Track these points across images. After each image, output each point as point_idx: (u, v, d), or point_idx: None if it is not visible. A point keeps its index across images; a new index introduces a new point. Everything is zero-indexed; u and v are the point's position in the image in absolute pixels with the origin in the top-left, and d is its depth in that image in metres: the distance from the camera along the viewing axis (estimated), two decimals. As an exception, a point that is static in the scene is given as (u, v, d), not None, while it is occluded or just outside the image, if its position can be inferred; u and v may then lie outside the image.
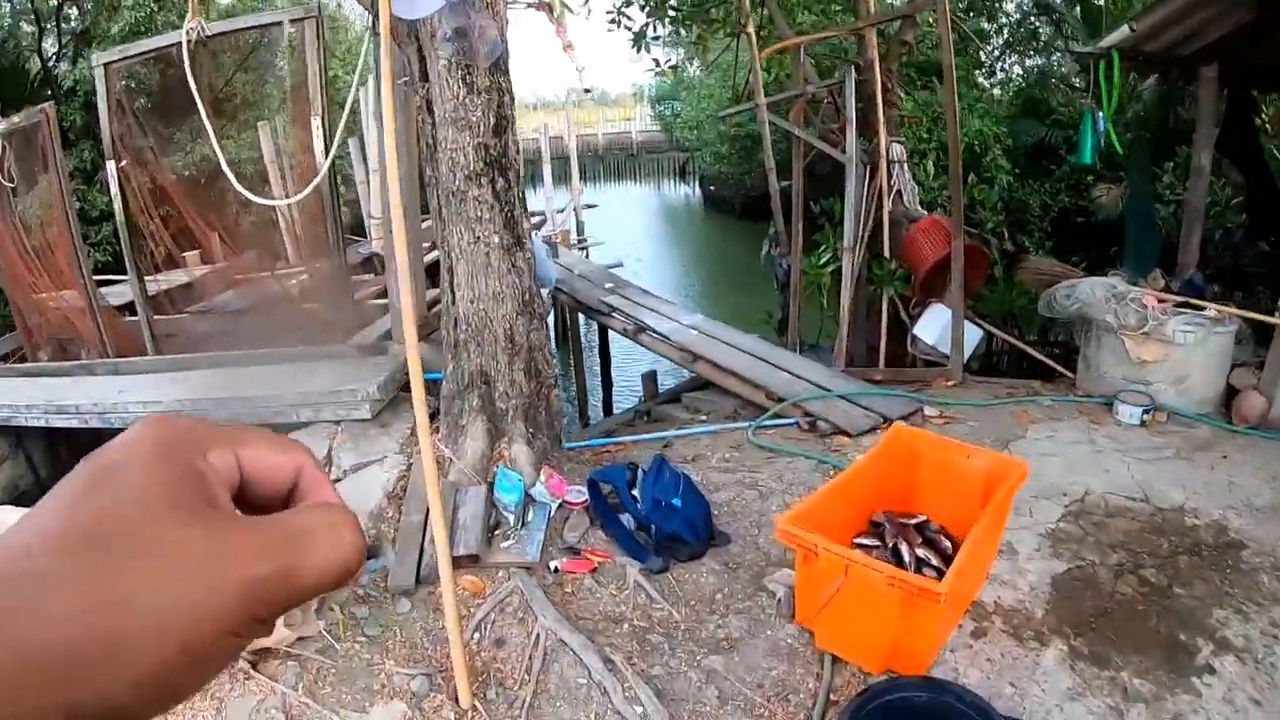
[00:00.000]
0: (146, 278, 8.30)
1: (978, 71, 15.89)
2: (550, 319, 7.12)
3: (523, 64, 5.36)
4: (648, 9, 11.23)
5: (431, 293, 7.72)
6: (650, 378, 10.45)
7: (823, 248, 9.51)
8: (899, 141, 8.75)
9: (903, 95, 9.76)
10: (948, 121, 7.64)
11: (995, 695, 3.77)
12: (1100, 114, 8.03)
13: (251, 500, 0.52)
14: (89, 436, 7.26)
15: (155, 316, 8.34)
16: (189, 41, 6.55)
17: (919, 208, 8.89)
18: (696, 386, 9.00)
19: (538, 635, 4.35)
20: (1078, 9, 13.62)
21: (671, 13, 11.31)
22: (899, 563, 4.09)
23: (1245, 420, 6.42)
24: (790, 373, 7.60)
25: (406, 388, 6.42)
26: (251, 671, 4.17)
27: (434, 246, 7.11)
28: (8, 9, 15.85)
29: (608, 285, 10.65)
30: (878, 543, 4.28)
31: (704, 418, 7.78)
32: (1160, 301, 6.85)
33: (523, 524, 5.16)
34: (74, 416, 6.93)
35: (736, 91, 12.32)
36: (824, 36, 9.93)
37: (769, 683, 4.07)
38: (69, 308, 8.32)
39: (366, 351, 7.08)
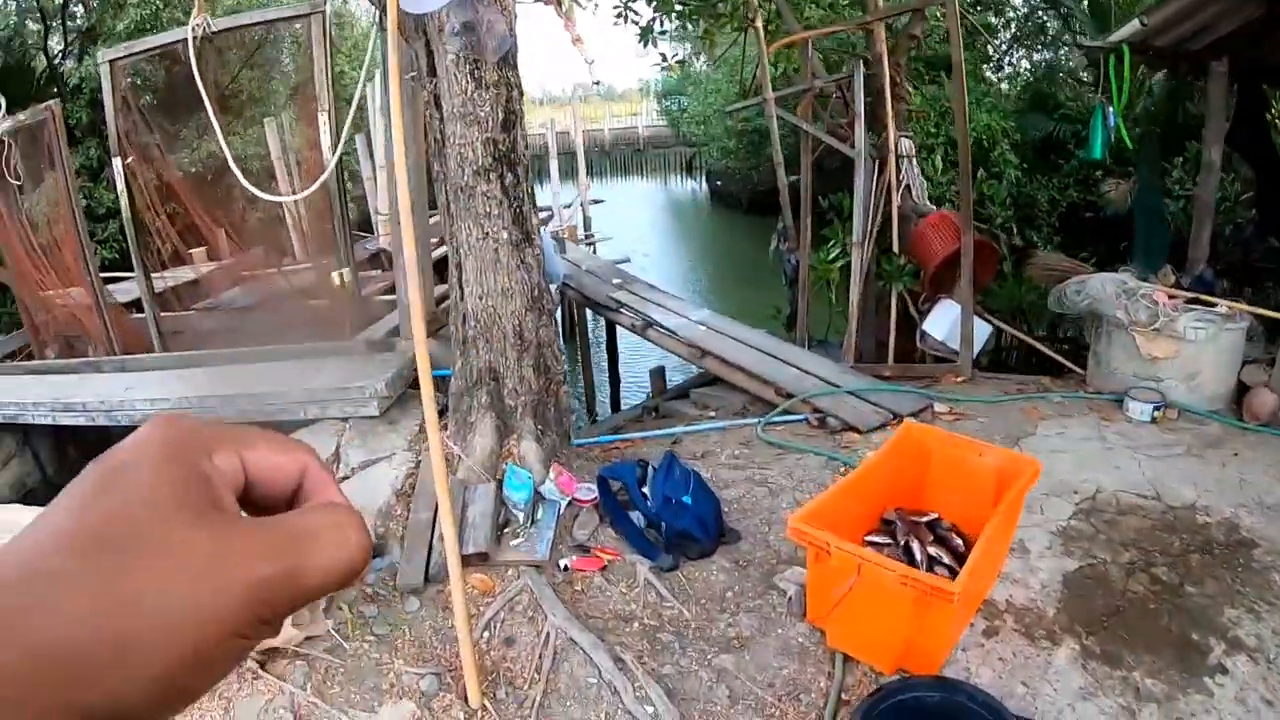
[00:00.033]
0: (153, 275, 8.29)
1: (985, 66, 15.83)
2: (558, 315, 7.09)
3: (530, 59, 5.35)
4: (654, 3, 11.18)
5: (439, 288, 7.71)
6: (658, 373, 10.43)
7: (832, 243, 9.49)
8: (908, 136, 8.73)
9: (911, 90, 9.72)
10: (956, 116, 7.61)
11: (1007, 695, 3.76)
12: (1110, 109, 8.00)
13: (257, 501, 0.53)
14: (96, 434, 7.27)
15: (162, 313, 8.32)
16: (194, 38, 6.53)
17: (928, 203, 8.86)
18: (705, 382, 9.00)
19: (547, 634, 4.33)
20: (1085, 3, 13.56)
21: (678, 7, 11.26)
22: (911, 561, 4.06)
23: (1256, 417, 6.39)
24: (799, 368, 7.58)
25: (414, 384, 6.41)
26: (260, 671, 4.16)
27: (442, 242, 7.10)
28: (13, 7, 15.85)
29: (615, 281, 10.62)
30: (889, 541, 4.25)
31: (713, 414, 7.77)
32: (1171, 298, 6.82)
33: (532, 522, 5.15)
34: (81, 414, 6.92)
35: (744, 86, 12.32)
36: (832, 31, 9.91)
37: (780, 682, 4.05)
38: (76, 305, 8.32)
39: (374, 348, 7.07)
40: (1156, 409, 6.38)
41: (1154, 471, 5.62)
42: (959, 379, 7.53)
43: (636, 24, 11.48)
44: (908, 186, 8.59)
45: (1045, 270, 9.15)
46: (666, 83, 40.09)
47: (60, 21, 15.84)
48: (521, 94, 5.48)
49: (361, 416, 6.32)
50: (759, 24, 9.70)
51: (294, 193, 9.19)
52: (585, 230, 18.27)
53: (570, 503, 5.38)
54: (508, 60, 5.24)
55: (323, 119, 6.96)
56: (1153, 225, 9.27)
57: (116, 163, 7.48)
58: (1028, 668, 3.98)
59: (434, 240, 8.18)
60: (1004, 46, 17.04)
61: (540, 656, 4.23)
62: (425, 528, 5.11)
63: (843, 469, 5.87)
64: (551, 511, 5.25)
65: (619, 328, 10.77)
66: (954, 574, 3.94)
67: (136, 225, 7.77)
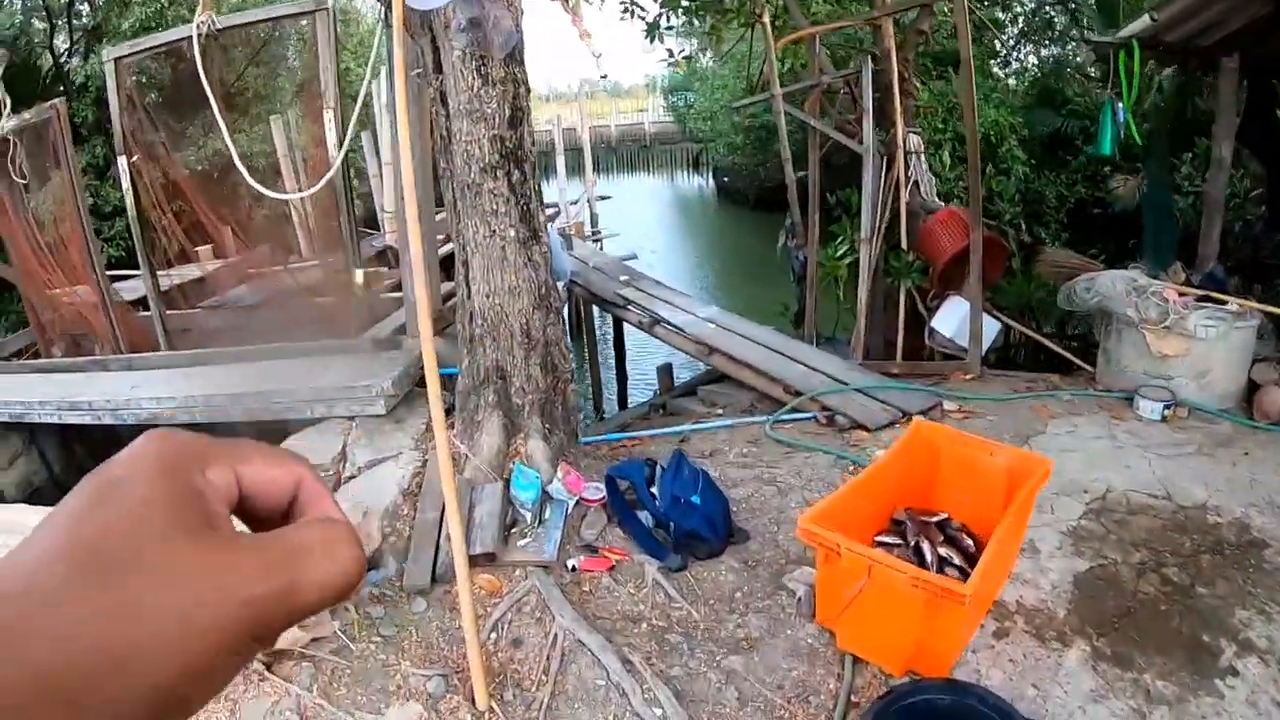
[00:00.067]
0: (159, 273, 8.28)
1: (992, 61, 15.79)
2: (564, 311, 7.07)
3: (535, 55, 5.33)
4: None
5: (446, 286, 7.68)
6: (666, 370, 10.43)
7: (840, 239, 9.46)
8: (915, 132, 8.70)
9: (919, 85, 9.68)
10: (965, 112, 7.57)
11: (1018, 697, 3.73)
12: (1120, 105, 7.96)
13: (252, 515, 0.53)
14: (102, 433, 7.27)
15: (168, 311, 8.31)
16: (199, 35, 6.51)
17: (936, 199, 8.83)
18: (712, 379, 8.97)
19: (555, 635, 4.31)
20: (1093, -2, 13.52)
21: (685, 3, 11.21)
22: (921, 562, 4.05)
23: (1267, 416, 6.36)
24: (807, 365, 7.55)
25: (421, 383, 6.39)
26: (266, 673, 4.15)
27: (448, 239, 7.08)
28: (19, 6, 15.85)
29: (622, 278, 10.58)
30: (899, 541, 4.24)
31: (720, 411, 7.74)
32: (1181, 295, 6.79)
33: (540, 522, 5.13)
34: (87, 413, 6.91)
35: (751, 82, 12.27)
36: (840, 26, 9.85)
37: (789, 684, 4.03)
38: (82, 303, 8.32)
39: (381, 346, 7.05)
40: (1167, 407, 6.35)
41: (1164, 471, 5.59)
42: (968, 376, 7.50)
43: (643, 19, 11.45)
44: (916, 182, 8.56)
45: (1054, 267, 9.12)
46: (673, 79, 40.13)
47: (66, 20, 15.85)
48: (528, 90, 5.46)
49: (368, 415, 6.31)
50: (766, 19, 9.66)
51: (300, 190, 9.17)
52: (592, 227, 18.24)
53: (578, 502, 5.37)
54: (514, 56, 5.21)
55: (328, 116, 6.94)
56: (1162, 222, 9.23)
57: (122, 161, 7.47)
58: (1038, 669, 3.96)
59: (440, 237, 8.16)
60: (1011, 42, 16.98)
61: (548, 658, 4.21)
62: (432, 528, 5.09)
63: (851, 467, 5.86)
64: (559, 511, 5.23)
65: (626, 324, 10.73)
66: (964, 574, 3.93)
67: (142, 223, 7.76)
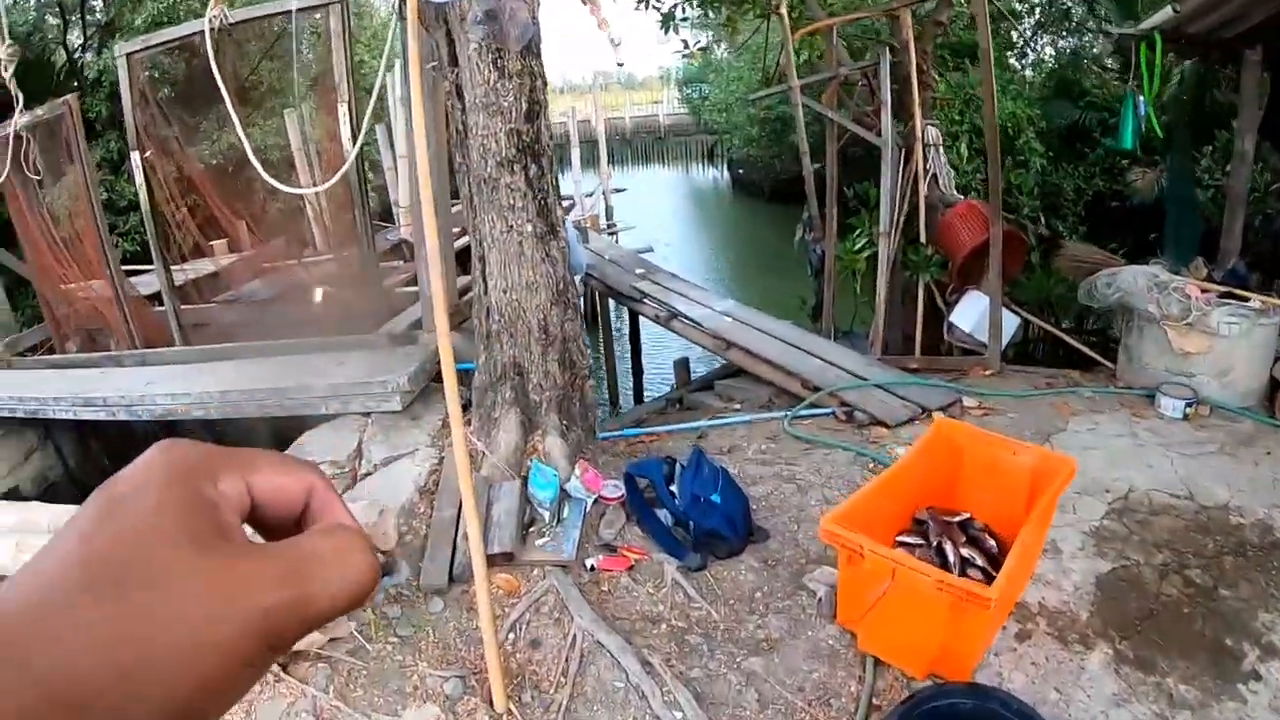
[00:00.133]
0: (173, 267, 8.27)
1: (1009, 53, 15.68)
2: (580, 305, 7.05)
3: (550, 47, 5.29)
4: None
5: (462, 280, 7.65)
6: (683, 365, 10.41)
7: (858, 232, 9.40)
8: (934, 124, 8.64)
9: (936, 77, 9.62)
10: (985, 104, 7.49)
11: (1040, 701, 3.70)
12: (1141, 97, 7.89)
13: (264, 523, 0.53)
14: (117, 428, 7.28)
15: (182, 306, 8.31)
16: (212, 30, 6.48)
17: (954, 192, 8.77)
18: (729, 374, 8.93)
19: (574, 636, 4.28)
20: (1110, -12, 13.42)
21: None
22: (943, 563, 4.00)
23: (1289, 415, 6.30)
24: (825, 360, 7.50)
25: (437, 378, 6.37)
26: (282, 674, 4.13)
27: (463, 232, 7.05)
28: (32, 3, 15.87)
29: (639, 271, 10.55)
30: (921, 541, 4.18)
31: (738, 406, 7.70)
32: (1203, 291, 6.71)
33: (558, 520, 5.10)
34: (101, 409, 6.92)
35: (767, 74, 12.22)
36: (857, 17, 9.79)
37: (810, 686, 3.99)
38: (98, 297, 8.32)
39: (397, 341, 7.03)
40: (1189, 405, 6.29)
41: (1187, 470, 5.54)
42: (987, 372, 7.44)
43: (658, 9, 11.40)
44: (934, 175, 8.51)
45: (1074, 262, 9.03)
46: (688, 70, 40.07)
47: (79, 16, 15.87)
48: (545, 83, 5.42)
49: (384, 411, 6.30)
50: (783, 10, 9.60)
51: (314, 184, 9.15)
52: (607, 219, 18.20)
53: (596, 500, 5.34)
54: (531, 49, 5.17)
55: (342, 110, 6.91)
56: (1184, 216, 9.16)
57: (135, 156, 7.46)
58: (1060, 673, 3.92)
59: (455, 230, 8.12)
60: (1028, 33, 16.88)
61: (567, 659, 4.18)
62: (449, 526, 5.07)
63: (871, 464, 5.82)
64: (578, 510, 5.20)
65: (642, 318, 10.69)
66: (987, 575, 3.90)
67: (156, 218, 7.75)
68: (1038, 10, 16.54)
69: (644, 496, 5.25)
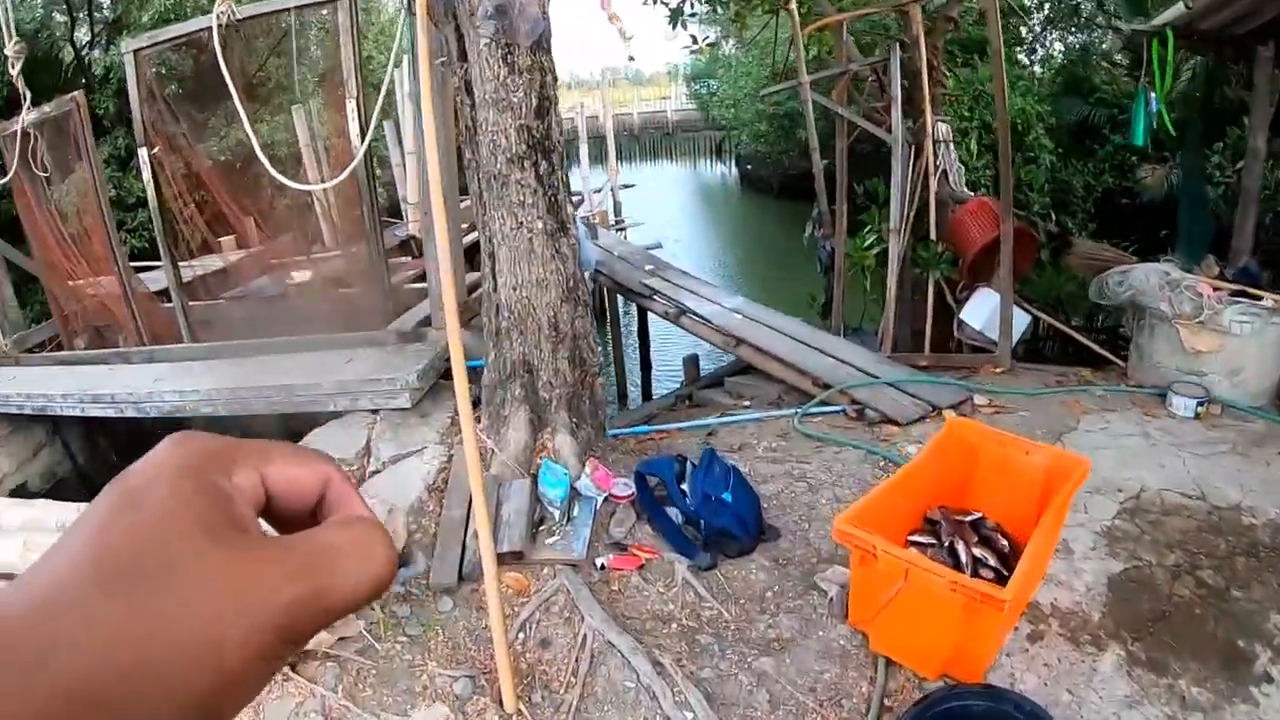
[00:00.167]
0: (181, 264, 8.26)
1: (1018, 48, 15.67)
2: (590, 301, 7.03)
3: (557, 43, 5.26)
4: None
5: (471, 276, 7.65)
6: (692, 361, 10.38)
7: (868, 229, 9.38)
8: (944, 120, 8.61)
9: (946, 73, 9.59)
10: (996, 99, 7.47)
11: (1052, 703, 3.68)
12: (1153, 94, 7.86)
13: (279, 516, 0.52)
14: (126, 424, 7.27)
15: (191, 303, 8.30)
16: (219, 26, 6.47)
17: (965, 189, 8.74)
18: (739, 370, 8.92)
19: (584, 636, 4.27)
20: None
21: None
22: (955, 563, 3.99)
23: (1301, 415, 6.27)
24: (835, 358, 7.47)
25: (446, 376, 6.36)
26: (290, 673, 4.12)
27: (472, 228, 7.03)
28: (40, 0, 15.88)
29: (647, 267, 10.52)
30: (933, 541, 4.17)
31: (747, 404, 7.69)
32: (1215, 290, 6.68)
33: (568, 519, 5.08)
34: (109, 406, 6.94)
35: (775, 69, 12.20)
36: (867, 13, 9.77)
37: (821, 686, 3.98)
38: (105, 294, 8.32)
39: (405, 338, 7.01)
40: (1200, 404, 6.26)
41: (1199, 470, 5.50)
42: (998, 370, 7.41)
43: (666, 5, 11.38)
44: (944, 172, 8.47)
45: (1085, 259, 9.01)
46: (696, 66, 40.13)
47: (87, 12, 15.88)
48: (555, 79, 5.39)
49: (392, 409, 6.29)
50: (792, 6, 9.57)
51: (323, 180, 9.14)
52: (615, 215, 18.24)
53: (606, 499, 5.32)
54: (541, 44, 5.14)
55: (350, 106, 6.90)
56: (1196, 214, 9.13)
57: (143, 152, 7.45)
58: (1072, 674, 3.90)
59: (464, 226, 8.11)
60: (1037, 29, 16.84)
61: (577, 659, 4.17)
62: (458, 525, 5.06)
63: (882, 463, 5.80)
64: (588, 508, 5.18)
65: (650, 314, 10.67)
66: (999, 576, 3.89)
67: (164, 215, 7.75)
68: (1047, 6, 16.55)
69: (654, 495, 5.24)
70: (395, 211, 13.50)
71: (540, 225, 5.39)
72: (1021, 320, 8.04)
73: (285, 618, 0.43)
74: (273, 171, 6.74)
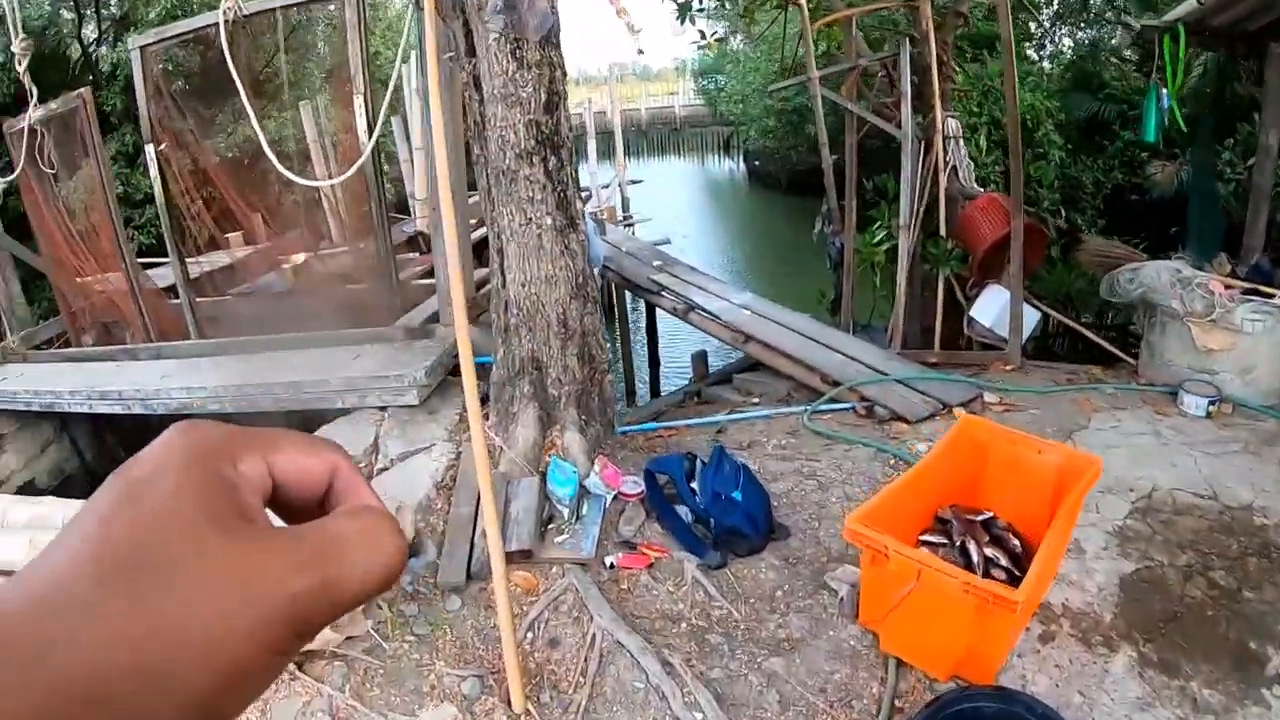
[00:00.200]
0: (189, 260, 8.25)
1: (1027, 44, 15.61)
2: (599, 298, 7.02)
3: (566, 38, 5.24)
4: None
5: (479, 272, 7.63)
6: (701, 358, 10.37)
7: (877, 225, 9.34)
8: (954, 116, 8.57)
9: (956, 69, 9.55)
10: (1006, 95, 7.43)
11: (1064, 704, 3.67)
12: (1164, 90, 7.82)
13: (286, 505, 0.52)
14: (133, 420, 7.27)
15: (198, 299, 8.29)
16: (226, 22, 6.46)
17: (975, 184, 8.70)
18: (747, 367, 8.91)
19: (593, 635, 4.25)
20: (1130, -20, 13.35)
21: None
22: (967, 562, 3.97)
23: (1313, 415, 6.24)
24: (844, 354, 7.46)
25: (454, 372, 6.35)
26: (297, 672, 4.11)
27: (480, 224, 7.01)
28: (47, -3, 15.92)
29: (656, 263, 10.51)
30: (944, 540, 4.15)
31: (756, 400, 7.68)
32: (1227, 287, 6.64)
33: (577, 517, 5.07)
34: (117, 402, 6.94)
35: (784, 65, 12.15)
36: (877, 8, 9.71)
37: (831, 687, 3.96)
38: (113, 290, 8.33)
39: (413, 334, 6.99)
40: (1211, 403, 6.23)
41: (1210, 469, 5.48)
42: (1008, 367, 7.38)
43: (674, 0, 11.34)
44: (954, 168, 8.43)
45: (1096, 256, 8.96)
46: (703, 62, 40.03)
47: (94, 9, 15.90)
48: (565, 74, 5.37)
49: (400, 405, 6.27)
50: (801, 1, 9.53)
51: (330, 176, 9.14)
52: (623, 211, 18.20)
53: (616, 497, 5.30)
54: (550, 39, 5.12)
55: (358, 102, 6.88)
56: (1207, 210, 9.09)
57: (150, 149, 7.45)
58: (1084, 676, 3.89)
59: (472, 222, 8.09)
60: (1046, 24, 16.79)
61: (586, 659, 4.16)
62: (467, 523, 5.04)
63: (892, 461, 5.78)
64: (597, 506, 5.16)
65: (659, 310, 10.66)
66: (1010, 575, 3.88)
67: (171, 211, 7.74)
68: (1056, 1, 16.46)
69: (664, 493, 5.22)
70: (403, 207, 13.47)
71: (549, 221, 5.37)
72: (1031, 317, 8.02)
73: (295, 610, 0.42)
74: (280, 168, 6.72)
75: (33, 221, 8.37)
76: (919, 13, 8.36)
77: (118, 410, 7.01)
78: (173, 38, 7.77)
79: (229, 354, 7.32)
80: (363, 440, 6.02)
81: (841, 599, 4.40)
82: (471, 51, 5.30)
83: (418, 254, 10.83)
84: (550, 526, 5.02)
